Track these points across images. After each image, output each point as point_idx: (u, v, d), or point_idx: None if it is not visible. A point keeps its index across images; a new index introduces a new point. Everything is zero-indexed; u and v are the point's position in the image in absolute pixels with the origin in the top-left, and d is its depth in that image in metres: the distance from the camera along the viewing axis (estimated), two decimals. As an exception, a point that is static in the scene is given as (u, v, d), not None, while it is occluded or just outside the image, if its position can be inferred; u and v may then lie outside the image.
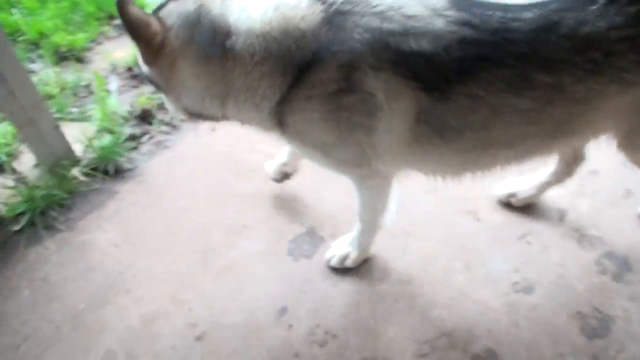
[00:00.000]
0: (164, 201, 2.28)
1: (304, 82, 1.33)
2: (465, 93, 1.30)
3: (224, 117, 1.54)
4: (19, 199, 2.23)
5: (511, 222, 2.09)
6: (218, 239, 2.10)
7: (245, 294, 1.92)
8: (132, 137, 2.58)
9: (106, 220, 2.22)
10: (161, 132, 2.62)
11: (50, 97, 2.74)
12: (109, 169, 2.39)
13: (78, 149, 2.46)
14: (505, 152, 1.51)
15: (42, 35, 3.20)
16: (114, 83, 2.91)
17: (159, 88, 1.53)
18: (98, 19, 3.42)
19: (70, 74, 2.94)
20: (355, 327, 1.80)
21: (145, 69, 1.47)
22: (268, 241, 2.09)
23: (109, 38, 3.34)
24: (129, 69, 2.97)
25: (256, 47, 1.33)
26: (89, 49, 3.21)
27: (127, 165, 2.44)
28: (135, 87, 2.90)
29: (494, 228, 2.08)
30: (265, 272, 1.98)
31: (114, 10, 3.25)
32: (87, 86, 2.91)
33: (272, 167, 2.20)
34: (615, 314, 1.79)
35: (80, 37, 3.18)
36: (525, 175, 2.09)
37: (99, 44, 3.29)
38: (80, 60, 3.11)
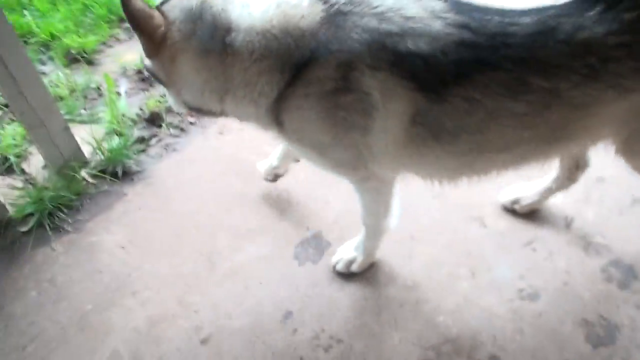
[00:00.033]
0: (172, 204, 2.30)
1: (301, 79, 1.34)
2: (462, 95, 1.30)
3: (223, 113, 1.55)
4: (27, 200, 2.25)
5: (517, 229, 2.08)
6: (224, 243, 2.11)
7: (251, 298, 1.92)
8: (141, 140, 2.59)
9: (114, 222, 2.23)
10: (170, 135, 2.64)
11: (60, 98, 2.77)
12: (117, 171, 2.41)
13: (87, 150, 2.48)
14: (501, 156, 1.50)
15: (53, 37, 3.23)
16: (123, 86, 2.93)
17: (160, 81, 1.55)
18: (109, 22, 3.45)
19: (80, 76, 2.97)
20: (360, 332, 1.81)
21: (147, 62, 1.49)
22: (274, 245, 2.09)
23: (119, 41, 3.36)
24: (139, 71, 2.99)
25: (256, 44, 1.35)
26: (99, 52, 3.24)
27: (135, 168, 2.45)
28: (144, 90, 2.91)
29: (500, 234, 2.07)
30: (271, 276, 1.99)
31: (124, 13, 3.27)
32: (97, 88, 2.93)
33: (264, 167, 2.22)
34: (621, 322, 1.78)
35: (90, 40, 3.22)
36: (531, 181, 2.08)
37: (110, 46, 3.31)
38: (90, 62, 3.14)
